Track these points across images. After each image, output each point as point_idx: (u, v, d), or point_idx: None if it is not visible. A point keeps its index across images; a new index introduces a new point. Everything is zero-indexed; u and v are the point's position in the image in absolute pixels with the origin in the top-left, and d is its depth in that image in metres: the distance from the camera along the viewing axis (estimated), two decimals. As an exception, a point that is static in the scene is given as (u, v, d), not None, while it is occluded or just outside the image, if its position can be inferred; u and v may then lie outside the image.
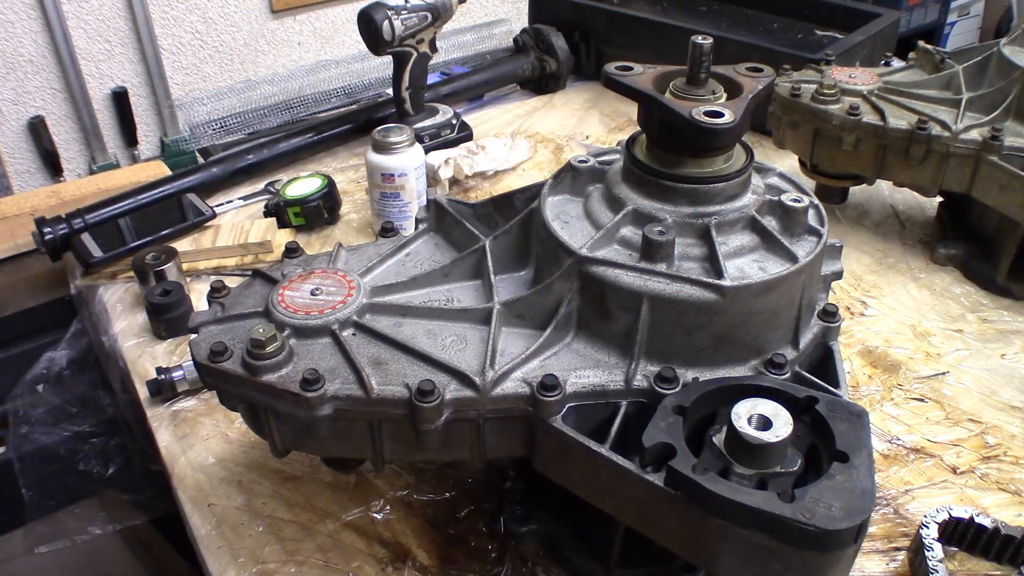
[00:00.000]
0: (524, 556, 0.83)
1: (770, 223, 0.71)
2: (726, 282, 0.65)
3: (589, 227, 0.73)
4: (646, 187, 0.71)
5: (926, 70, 1.26)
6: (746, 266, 0.68)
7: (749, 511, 0.54)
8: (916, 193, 1.23)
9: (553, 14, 1.89)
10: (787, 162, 1.38)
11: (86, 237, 1.27)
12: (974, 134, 1.10)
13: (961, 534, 0.82)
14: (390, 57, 1.46)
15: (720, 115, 0.65)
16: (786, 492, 0.54)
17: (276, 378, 0.67)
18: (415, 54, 1.46)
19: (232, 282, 0.80)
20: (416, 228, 0.87)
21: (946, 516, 0.81)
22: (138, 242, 1.27)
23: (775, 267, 0.68)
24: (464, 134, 1.57)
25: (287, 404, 0.67)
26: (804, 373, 0.69)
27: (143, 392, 1.05)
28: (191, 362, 1.01)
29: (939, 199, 1.33)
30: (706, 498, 0.55)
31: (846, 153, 1.18)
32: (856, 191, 1.36)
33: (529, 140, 1.64)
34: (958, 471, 0.92)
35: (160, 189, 1.38)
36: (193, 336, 0.73)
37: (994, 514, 0.83)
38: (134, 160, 2.15)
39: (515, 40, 1.91)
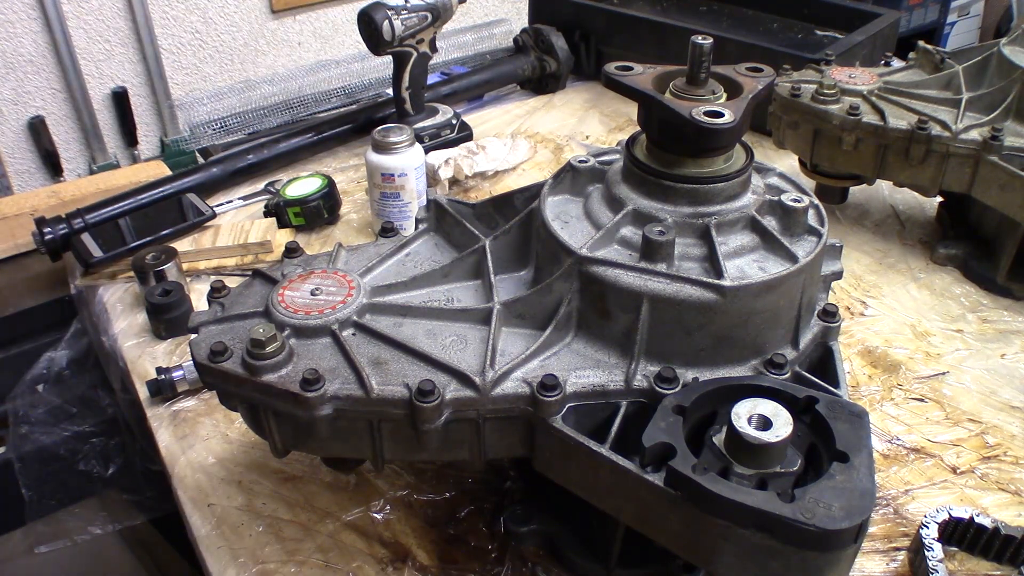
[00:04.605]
0: (524, 556, 0.83)
1: (770, 223, 0.71)
2: (726, 282, 0.65)
3: (589, 227, 0.73)
4: (646, 187, 0.71)
5: (926, 70, 1.26)
6: (746, 266, 0.68)
7: (749, 511, 0.54)
8: (916, 193, 1.23)
9: (553, 14, 1.89)
10: (787, 162, 1.38)
11: (86, 237, 1.27)
12: (974, 134, 1.10)
13: (961, 534, 0.82)
14: (390, 57, 1.46)
15: (720, 115, 0.65)
16: (786, 492, 0.54)
17: (276, 378, 0.67)
18: (415, 54, 1.46)
19: (232, 282, 0.80)
20: (416, 228, 0.87)
21: (946, 516, 0.81)
22: (138, 242, 1.27)
23: (775, 267, 0.68)
24: (464, 134, 1.57)
25: (287, 404, 0.67)
26: (804, 373, 0.69)
27: (143, 392, 1.05)
28: (191, 362, 1.01)
29: (939, 199, 1.33)
30: (706, 498, 0.55)
31: (846, 153, 1.18)
32: (856, 191, 1.36)
33: (529, 140, 1.64)
34: (958, 471, 0.92)
35: (160, 189, 1.38)
36: (193, 336, 0.73)
37: (994, 514, 0.83)
38: (134, 160, 2.15)
39: (515, 40, 1.91)
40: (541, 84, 1.88)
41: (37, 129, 2.00)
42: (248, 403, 0.71)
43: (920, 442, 0.96)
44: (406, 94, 1.50)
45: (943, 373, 1.06)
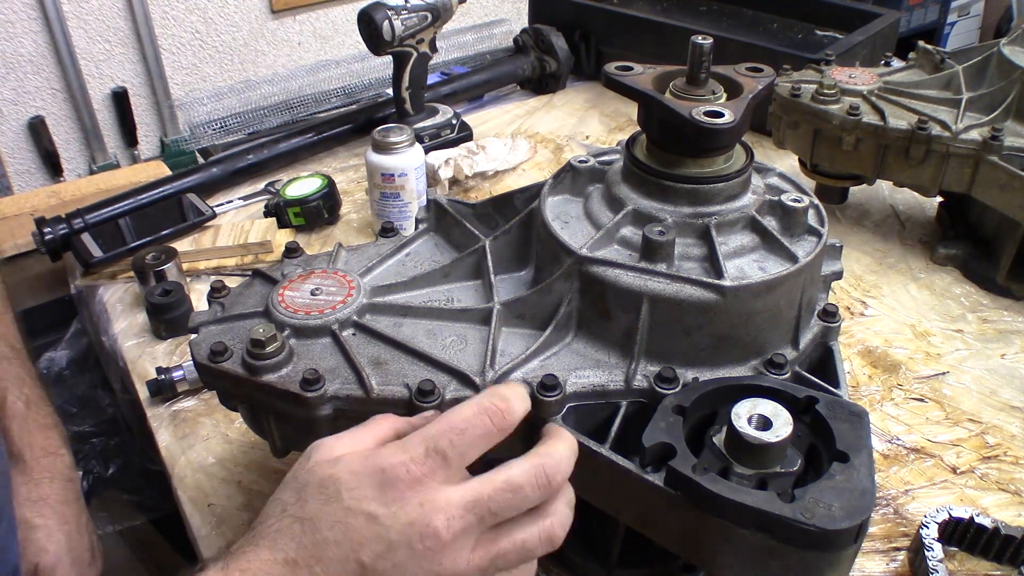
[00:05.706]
0: (524, 556, 0.83)
1: (770, 223, 0.71)
2: (726, 282, 0.65)
3: (589, 227, 0.73)
4: (646, 187, 0.71)
5: (926, 70, 1.26)
6: (746, 266, 0.68)
7: (749, 511, 0.54)
8: (916, 193, 1.23)
9: (553, 14, 1.89)
10: (787, 162, 1.38)
11: (86, 237, 1.27)
12: (974, 134, 1.10)
13: (961, 534, 0.82)
14: (390, 57, 1.46)
15: (720, 115, 0.65)
16: (786, 492, 0.54)
17: (276, 378, 0.67)
18: (415, 54, 1.46)
19: (232, 282, 0.80)
20: (416, 228, 0.87)
21: (946, 516, 0.81)
22: (138, 242, 1.27)
23: (775, 267, 0.68)
24: (464, 134, 1.57)
25: (287, 404, 0.67)
26: (804, 373, 0.69)
27: (143, 392, 1.05)
28: (191, 362, 1.01)
29: (939, 199, 1.33)
30: (706, 498, 0.55)
31: (846, 153, 1.18)
32: (856, 191, 1.36)
33: (529, 140, 1.64)
34: (958, 471, 0.92)
35: (160, 189, 1.38)
36: (193, 336, 0.73)
37: (994, 514, 0.83)
38: (134, 160, 2.15)
39: (515, 40, 1.91)
40: (541, 84, 1.88)
41: (37, 129, 2.00)
42: (248, 403, 0.71)
43: (920, 442, 0.96)
44: (406, 94, 1.50)
45: (943, 373, 1.06)
